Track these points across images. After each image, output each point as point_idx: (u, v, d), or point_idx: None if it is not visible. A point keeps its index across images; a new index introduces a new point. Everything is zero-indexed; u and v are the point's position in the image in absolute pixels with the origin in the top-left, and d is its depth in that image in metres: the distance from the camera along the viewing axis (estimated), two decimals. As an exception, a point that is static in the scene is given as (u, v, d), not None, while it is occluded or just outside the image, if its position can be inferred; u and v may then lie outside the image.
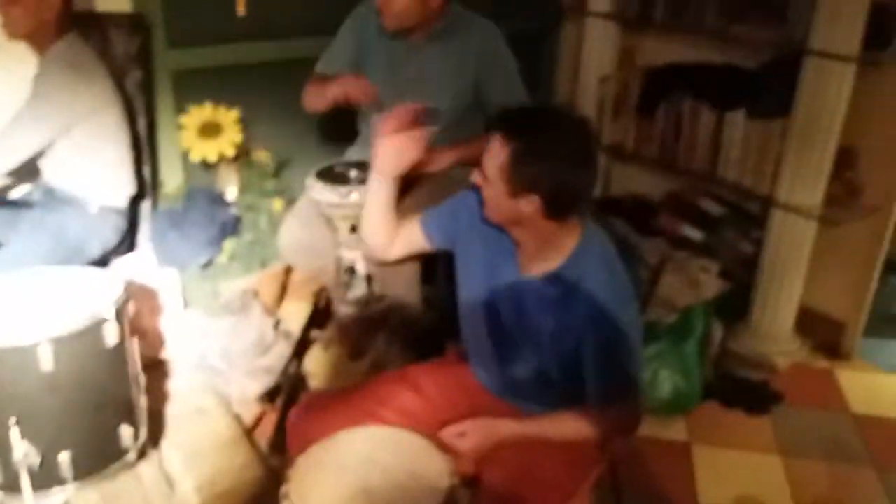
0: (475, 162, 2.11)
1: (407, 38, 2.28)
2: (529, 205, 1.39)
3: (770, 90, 2.58)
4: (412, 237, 1.71)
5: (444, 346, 1.90)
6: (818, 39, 2.32)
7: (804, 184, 2.48)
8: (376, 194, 1.71)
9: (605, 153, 3.32)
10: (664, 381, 2.39)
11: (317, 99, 2.27)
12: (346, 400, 1.67)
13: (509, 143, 1.38)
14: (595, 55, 3.18)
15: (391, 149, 1.68)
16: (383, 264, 1.89)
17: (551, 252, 1.47)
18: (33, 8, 2.07)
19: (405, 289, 2.30)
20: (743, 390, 2.54)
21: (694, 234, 2.94)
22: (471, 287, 1.63)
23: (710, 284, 2.81)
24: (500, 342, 1.60)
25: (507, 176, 1.39)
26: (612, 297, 1.45)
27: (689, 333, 2.48)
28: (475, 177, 1.48)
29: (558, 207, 1.40)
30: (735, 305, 2.75)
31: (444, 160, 2.23)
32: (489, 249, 1.56)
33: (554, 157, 1.37)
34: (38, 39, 2.14)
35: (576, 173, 1.38)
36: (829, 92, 2.35)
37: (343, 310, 2.44)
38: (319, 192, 2.18)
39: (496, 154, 1.40)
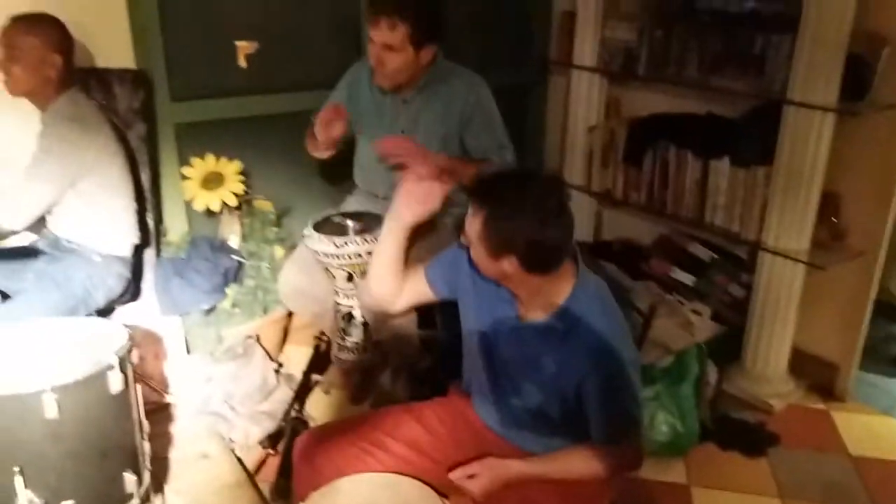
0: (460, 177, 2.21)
1: (397, 91, 2.39)
2: (510, 264, 1.46)
3: (752, 139, 2.67)
4: (417, 288, 1.74)
5: (446, 387, 1.93)
6: (796, 90, 2.42)
7: (790, 229, 2.55)
8: (390, 242, 1.72)
9: (594, 199, 3.41)
10: (661, 423, 2.41)
11: (313, 144, 2.38)
12: (353, 430, 1.69)
13: (481, 209, 1.46)
14: (582, 106, 3.29)
15: (414, 197, 1.70)
16: (388, 316, 1.91)
17: (547, 299, 1.53)
18: (35, 66, 2.12)
19: (403, 333, 2.35)
20: (740, 432, 2.56)
21: (684, 278, 3.00)
22: (472, 331, 1.67)
23: (703, 327, 2.87)
24: (501, 383, 1.64)
25: (484, 240, 1.46)
26: (611, 336, 1.51)
27: (685, 376, 2.50)
28: (462, 239, 1.54)
29: (537, 262, 1.46)
30: (728, 348, 2.79)
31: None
32: (489, 297, 1.62)
33: (522, 218, 1.43)
34: (40, 96, 2.18)
35: (546, 230, 1.44)
36: (809, 140, 2.43)
37: (341, 356, 2.48)
38: (316, 243, 2.25)
39: (472, 220, 1.48)
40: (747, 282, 2.83)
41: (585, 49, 3.19)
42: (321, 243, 2.25)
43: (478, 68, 2.67)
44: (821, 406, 2.73)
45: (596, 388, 1.50)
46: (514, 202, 1.43)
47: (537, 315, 1.55)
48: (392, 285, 1.73)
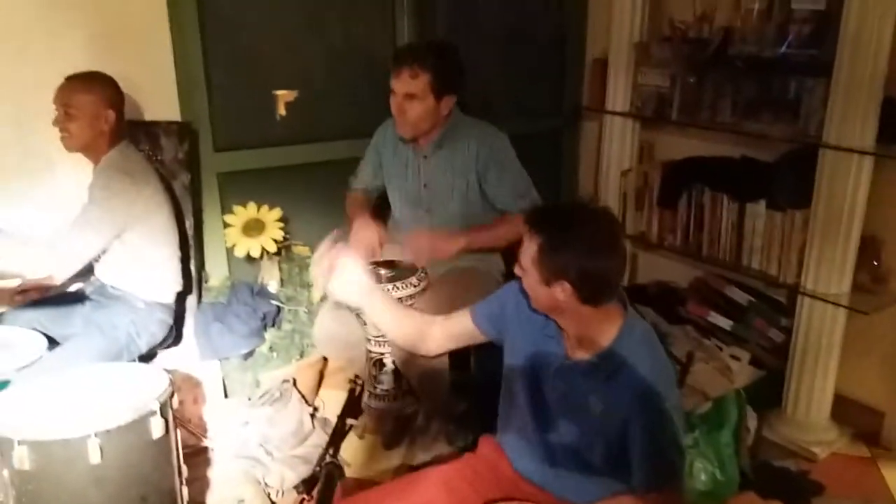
0: (484, 247, 2.24)
1: (416, 146, 2.46)
2: (562, 291, 1.49)
3: (789, 182, 2.66)
4: (464, 330, 1.77)
5: (477, 437, 1.92)
6: (832, 134, 2.41)
7: (830, 272, 2.52)
8: (375, 305, 1.78)
9: (629, 242, 3.40)
10: (700, 471, 2.36)
11: (352, 208, 2.53)
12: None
13: (537, 236, 1.51)
14: (615, 150, 3.31)
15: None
16: (422, 358, 1.94)
17: (595, 336, 1.55)
18: (90, 122, 2.22)
19: (435, 378, 2.37)
20: (781, 481, 2.49)
21: (722, 322, 2.97)
22: (517, 369, 1.69)
23: (742, 372, 2.82)
24: (544, 423, 1.64)
25: (538, 266, 1.51)
26: (657, 380, 1.51)
27: (724, 422, 2.46)
28: (516, 269, 1.59)
29: (589, 292, 1.49)
30: (768, 393, 2.74)
31: (455, 246, 2.36)
32: (536, 335, 1.64)
33: (578, 245, 1.48)
34: (94, 150, 2.28)
35: (600, 258, 1.49)
36: (847, 184, 2.41)
37: (372, 403, 2.50)
38: None
39: (528, 247, 1.53)
40: (786, 326, 2.78)
41: (618, 95, 3.22)
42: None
43: (511, 114, 2.74)
44: (866, 454, 2.65)
45: (639, 431, 1.50)
46: (569, 229, 1.49)
47: (584, 354, 1.56)
48: (414, 332, 1.78)
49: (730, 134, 2.89)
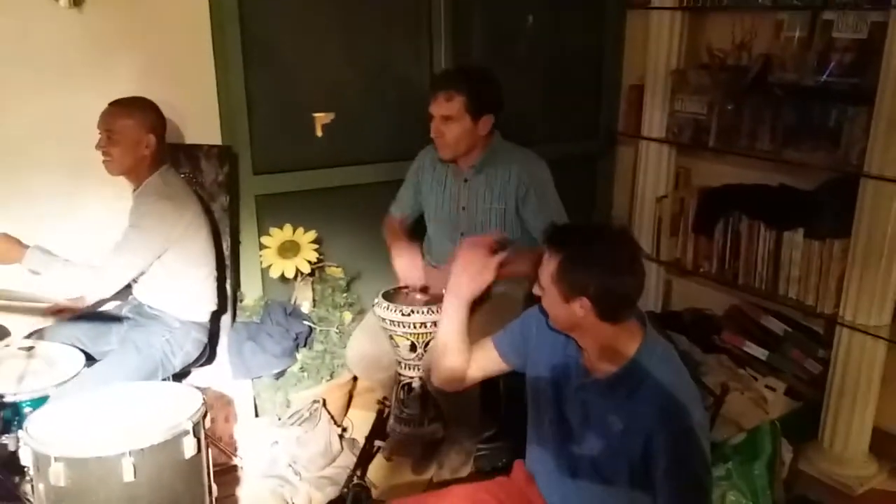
0: (520, 274, 2.22)
1: (456, 170, 2.48)
2: (581, 308, 1.50)
3: (828, 211, 2.62)
4: (488, 360, 1.78)
5: (507, 462, 1.92)
6: (874, 163, 2.37)
7: (870, 304, 2.47)
8: (452, 317, 1.78)
9: (664, 268, 3.38)
10: (733, 503, 2.32)
11: (388, 243, 2.57)
12: None
13: (557, 253, 1.52)
14: (651, 176, 3.30)
15: (467, 274, 1.78)
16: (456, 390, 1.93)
17: (614, 355, 1.55)
18: (131, 147, 2.28)
19: (465, 403, 2.37)
20: (817, 516, 2.44)
21: (757, 351, 2.92)
22: (539, 392, 1.69)
23: (778, 403, 2.77)
24: (568, 444, 1.64)
25: (558, 283, 1.52)
26: (680, 397, 1.49)
27: (758, 454, 2.41)
28: (535, 289, 1.60)
29: (608, 308, 1.50)
30: (804, 426, 2.68)
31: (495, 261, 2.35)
32: (557, 355, 1.64)
33: (597, 261, 1.50)
34: (135, 174, 2.34)
35: (618, 276, 1.50)
36: (889, 214, 2.37)
37: (397, 427, 2.52)
38: (384, 311, 2.34)
39: (547, 264, 1.54)
40: (824, 357, 2.73)
41: (654, 121, 3.22)
42: (388, 311, 2.34)
43: (547, 138, 2.74)
44: (906, 491, 2.58)
45: (663, 448, 1.48)
46: (588, 246, 1.52)
47: (603, 371, 1.56)
48: (460, 361, 1.77)
49: (768, 161, 2.85)
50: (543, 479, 1.73)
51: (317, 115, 2.91)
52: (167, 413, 1.79)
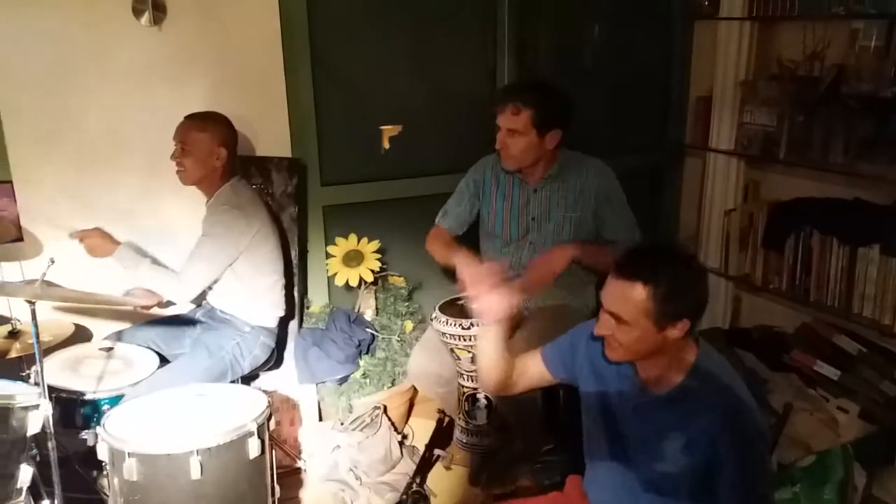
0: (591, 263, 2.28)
1: (525, 180, 2.50)
2: (681, 329, 1.48)
3: (906, 227, 2.52)
4: (535, 371, 1.78)
5: (564, 477, 1.92)
6: (955, 177, 2.28)
7: (951, 325, 2.37)
8: (485, 337, 1.75)
9: (732, 284, 3.30)
10: (800, 529, 2.26)
11: (440, 254, 2.53)
12: None
13: (647, 284, 1.46)
14: (719, 189, 3.24)
15: (486, 305, 1.71)
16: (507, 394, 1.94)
17: (671, 370, 1.54)
18: (204, 159, 2.38)
19: (526, 417, 2.38)
20: (892, 545, 2.34)
21: (829, 371, 2.81)
22: (593, 412, 1.69)
23: (850, 426, 2.66)
24: (628, 467, 1.63)
25: (653, 312, 1.46)
26: (739, 400, 1.49)
27: (827, 478, 2.33)
28: (603, 329, 1.54)
29: (697, 325, 1.52)
30: (879, 450, 2.56)
31: (569, 252, 2.34)
32: (609, 375, 1.63)
33: (690, 282, 1.50)
34: (207, 185, 2.45)
35: (706, 289, 1.55)
36: (971, 230, 2.28)
37: (463, 438, 2.54)
38: (444, 325, 2.37)
39: (628, 296, 1.47)
40: (902, 379, 2.62)
41: (722, 133, 3.17)
42: (447, 325, 2.37)
43: (612, 150, 2.73)
44: None
45: (727, 452, 1.46)
46: (681, 270, 1.51)
47: (661, 388, 1.55)
48: (501, 373, 1.76)
49: (841, 175, 2.77)
50: (603, 497, 1.72)
51: (384, 128, 2.98)
52: (234, 414, 1.87)
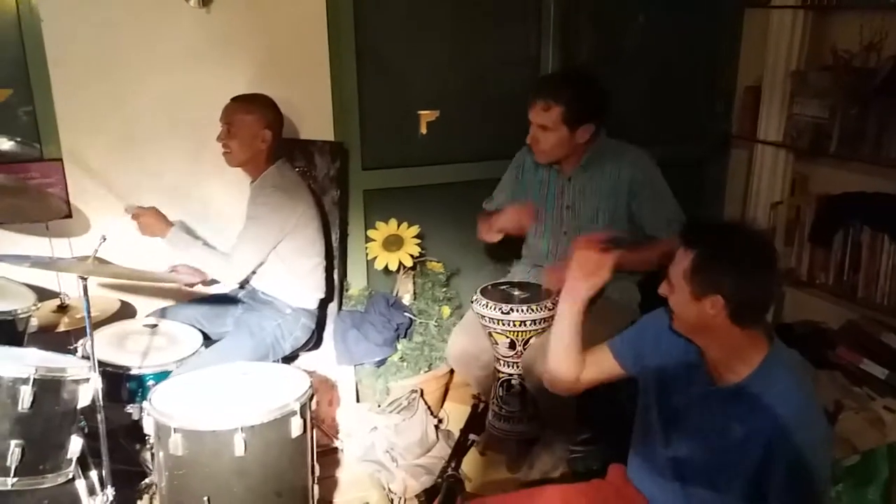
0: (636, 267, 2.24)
1: (561, 169, 2.48)
2: (713, 306, 1.45)
3: (961, 224, 2.45)
4: (604, 364, 1.74)
5: (602, 465, 1.91)
6: None
7: None
8: (568, 322, 1.71)
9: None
10: (842, 528, 2.22)
11: (488, 233, 2.53)
12: None
13: (692, 248, 1.48)
14: (765, 182, 3.17)
15: (585, 269, 1.71)
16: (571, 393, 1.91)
17: (738, 363, 1.50)
18: (249, 141, 2.40)
19: (562, 404, 2.37)
20: (936, 549, 2.28)
21: (876, 370, 2.75)
22: (653, 401, 1.66)
23: (897, 426, 2.60)
24: (680, 456, 1.61)
25: (691, 279, 1.47)
26: (804, 408, 1.44)
27: (872, 478, 2.28)
28: (662, 288, 1.56)
29: (740, 309, 1.45)
30: (926, 452, 2.51)
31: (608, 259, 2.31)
32: (677, 362, 1.61)
33: (734, 259, 1.45)
34: (253, 167, 2.47)
35: (756, 276, 1.46)
36: None
37: (496, 423, 2.55)
38: (483, 308, 2.37)
39: (680, 260, 1.50)
40: (952, 380, 2.55)
41: (770, 124, 3.10)
42: (487, 308, 2.37)
43: (656, 139, 2.68)
44: None
45: (783, 461, 1.43)
46: (727, 243, 1.48)
47: (729, 380, 1.52)
48: (574, 365, 1.73)
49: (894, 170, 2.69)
50: (648, 485, 1.70)
51: (422, 112, 2.98)
52: (278, 394, 1.89)
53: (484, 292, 2.46)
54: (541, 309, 2.35)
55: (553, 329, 1.78)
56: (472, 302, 2.47)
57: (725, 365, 1.52)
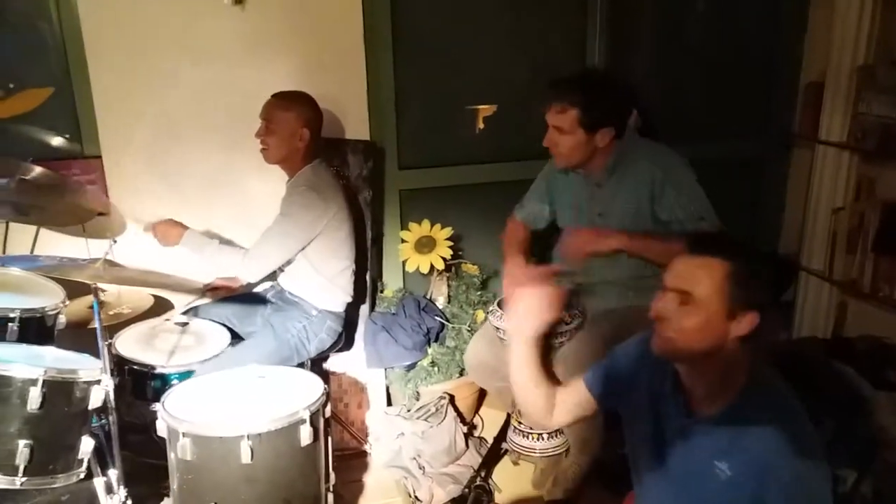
0: (641, 255, 2.16)
1: (587, 174, 2.38)
2: (748, 324, 1.34)
3: None
4: (577, 401, 1.62)
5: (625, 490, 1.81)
6: None
7: None
8: (521, 358, 1.58)
9: (836, 289, 3.04)
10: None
11: (503, 248, 2.50)
12: None
13: (725, 262, 1.35)
14: (827, 185, 2.98)
15: (523, 309, 1.58)
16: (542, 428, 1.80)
17: (719, 392, 1.40)
18: (287, 138, 2.38)
19: (587, 428, 2.29)
20: None
21: (943, 393, 2.54)
22: (636, 438, 1.57)
23: (964, 454, 2.39)
24: (671, 497, 1.51)
25: (726, 295, 1.34)
26: (791, 439, 1.32)
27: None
28: (663, 309, 1.39)
29: (760, 329, 1.35)
30: None
31: (611, 242, 2.23)
32: (652, 393, 1.51)
33: (770, 272, 1.38)
34: (289, 164, 2.45)
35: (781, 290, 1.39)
36: None
37: (515, 438, 2.47)
38: (499, 320, 2.29)
39: (714, 275, 1.35)
40: None
41: (834, 124, 2.90)
42: (503, 321, 2.29)
43: (711, 137, 2.49)
44: None
45: (776, 497, 1.31)
46: (760, 258, 1.38)
47: (708, 409, 1.41)
48: (541, 400, 1.62)
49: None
50: None
51: (479, 107, 2.96)
52: (288, 401, 1.86)
53: (501, 304, 2.38)
54: (560, 323, 2.24)
55: (511, 372, 1.63)
56: (487, 314, 2.39)
57: (705, 395, 1.41)
